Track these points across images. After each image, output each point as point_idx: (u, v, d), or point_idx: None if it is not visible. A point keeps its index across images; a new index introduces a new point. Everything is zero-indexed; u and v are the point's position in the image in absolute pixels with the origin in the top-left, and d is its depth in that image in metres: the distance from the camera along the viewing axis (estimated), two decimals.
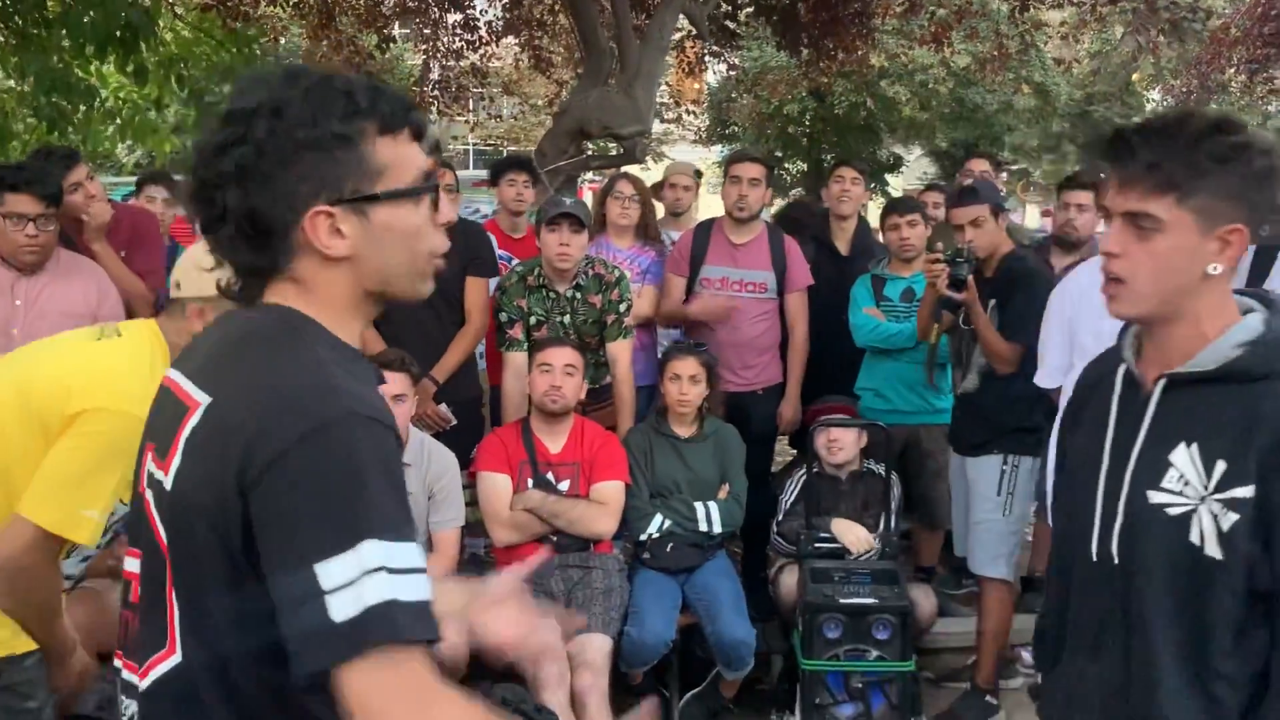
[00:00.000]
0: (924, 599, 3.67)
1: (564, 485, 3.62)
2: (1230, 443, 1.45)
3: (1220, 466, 1.45)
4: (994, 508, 3.65)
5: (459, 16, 9.47)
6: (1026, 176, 23.77)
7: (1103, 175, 3.18)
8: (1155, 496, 1.51)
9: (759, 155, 4.64)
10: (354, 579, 1.05)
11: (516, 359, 3.90)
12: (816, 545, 3.74)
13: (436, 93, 10.52)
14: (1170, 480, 1.49)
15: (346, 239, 1.21)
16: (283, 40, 11.38)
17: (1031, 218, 21.71)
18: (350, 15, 8.86)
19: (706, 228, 4.44)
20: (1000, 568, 3.68)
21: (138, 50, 5.79)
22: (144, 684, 1.24)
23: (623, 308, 3.98)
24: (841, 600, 3.49)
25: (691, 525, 3.71)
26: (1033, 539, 4.97)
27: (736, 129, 19.87)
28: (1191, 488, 1.47)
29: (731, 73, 14.37)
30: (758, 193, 4.32)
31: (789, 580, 3.77)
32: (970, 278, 3.57)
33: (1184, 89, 15.53)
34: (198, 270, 1.97)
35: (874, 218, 5.43)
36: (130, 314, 3.59)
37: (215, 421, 1.17)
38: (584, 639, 3.26)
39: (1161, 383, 1.54)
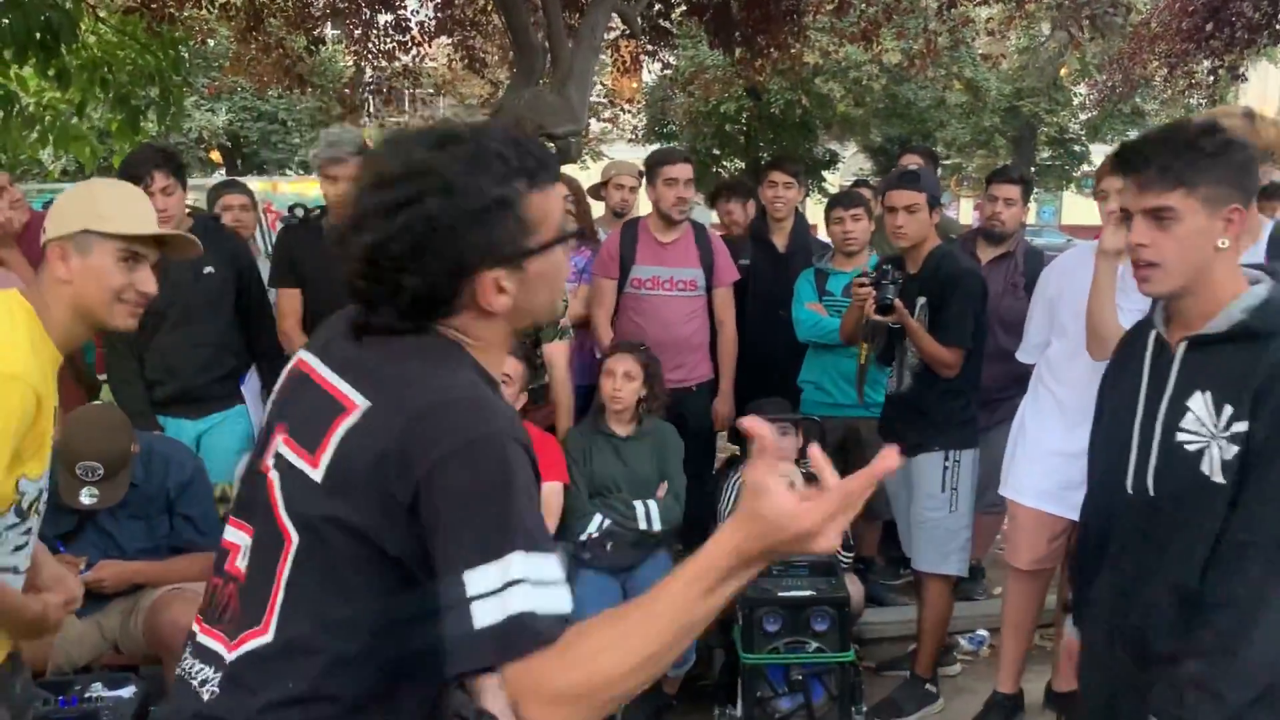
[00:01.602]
0: (854, 588, 3.70)
1: None
2: (1234, 389, 1.78)
3: (1228, 410, 1.78)
4: (939, 505, 3.65)
5: (390, 17, 9.39)
6: (960, 171, 24.18)
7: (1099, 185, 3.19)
8: (1179, 436, 1.84)
9: (686, 154, 4.63)
10: (498, 588, 1.12)
11: None
12: None
13: (368, 95, 10.41)
14: (1189, 422, 1.83)
15: (507, 294, 1.28)
16: (210, 42, 11.19)
17: (965, 212, 22.09)
18: (279, 17, 8.72)
19: (632, 228, 4.43)
20: (951, 564, 3.68)
21: (59, 54, 5.65)
22: (232, 655, 1.28)
23: (559, 309, 3.97)
24: (780, 593, 3.52)
25: (631, 524, 3.71)
26: (975, 526, 5.07)
27: (673, 128, 19.94)
28: (1205, 428, 1.81)
29: (666, 72, 14.43)
30: (691, 191, 4.36)
31: None
32: (897, 299, 3.54)
33: (1109, 83, 15.91)
34: (62, 213, 1.95)
35: (813, 214, 5.49)
36: None
37: (376, 426, 1.22)
38: None
39: (1183, 344, 1.87)
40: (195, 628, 1.36)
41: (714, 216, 5.41)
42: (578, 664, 1.10)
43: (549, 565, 1.15)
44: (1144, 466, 1.91)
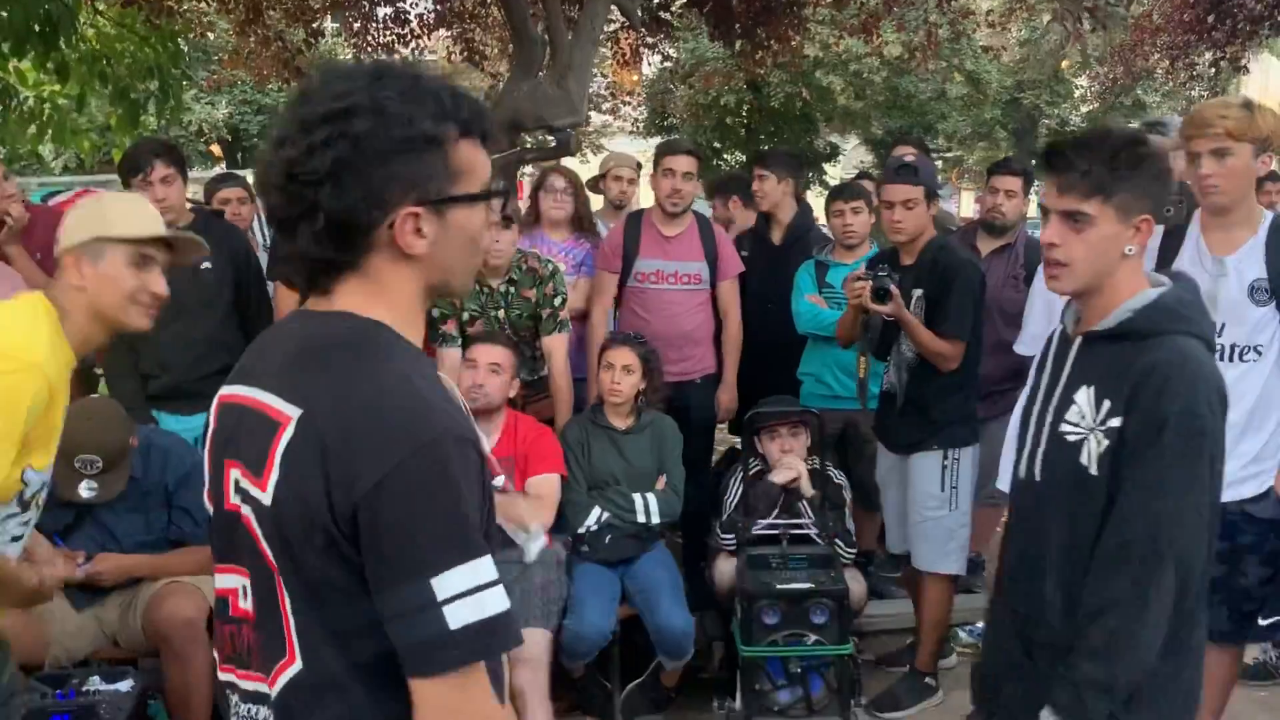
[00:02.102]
0: (855, 583, 3.69)
1: (498, 481, 3.59)
2: (1114, 385, 1.87)
3: (1106, 404, 1.88)
4: (939, 504, 3.62)
5: (389, 10, 9.36)
6: (961, 163, 24.12)
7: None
8: (1062, 427, 1.95)
9: (690, 146, 4.61)
10: (469, 590, 1.14)
11: (450, 355, 3.87)
12: (755, 532, 3.77)
13: None
14: (1072, 414, 1.94)
15: (425, 238, 1.25)
16: (210, 36, 11.16)
17: (966, 204, 22.05)
18: (278, 9, 8.69)
19: (636, 221, 4.43)
20: (951, 563, 3.67)
21: (58, 47, 5.64)
22: (274, 691, 1.26)
23: (557, 301, 3.96)
24: (779, 586, 3.52)
25: (630, 517, 3.71)
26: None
27: (674, 120, 19.89)
28: (1085, 420, 1.91)
29: (667, 64, 14.39)
30: (690, 185, 4.35)
31: (726, 569, 3.78)
32: (896, 292, 3.51)
33: (1110, 75, 15.86)
34: (73, 225, 2.07)
35: (817, 206, 5.46)
36: None
37: (312, 436, 1.18)
38: (523, 633, 3.25)
39: (1078, 340, 1.98)
40: (233, 678, 1.34)
41: (712, 210, 5.40)
42: None
43: (489, 565, 1.18)
44: (1035, 453, 2.02)
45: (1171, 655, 1.86)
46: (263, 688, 1.28)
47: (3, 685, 2.09)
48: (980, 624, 4.28)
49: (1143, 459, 1.82)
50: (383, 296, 1.27)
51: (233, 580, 1.32)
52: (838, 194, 4.53)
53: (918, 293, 3.61)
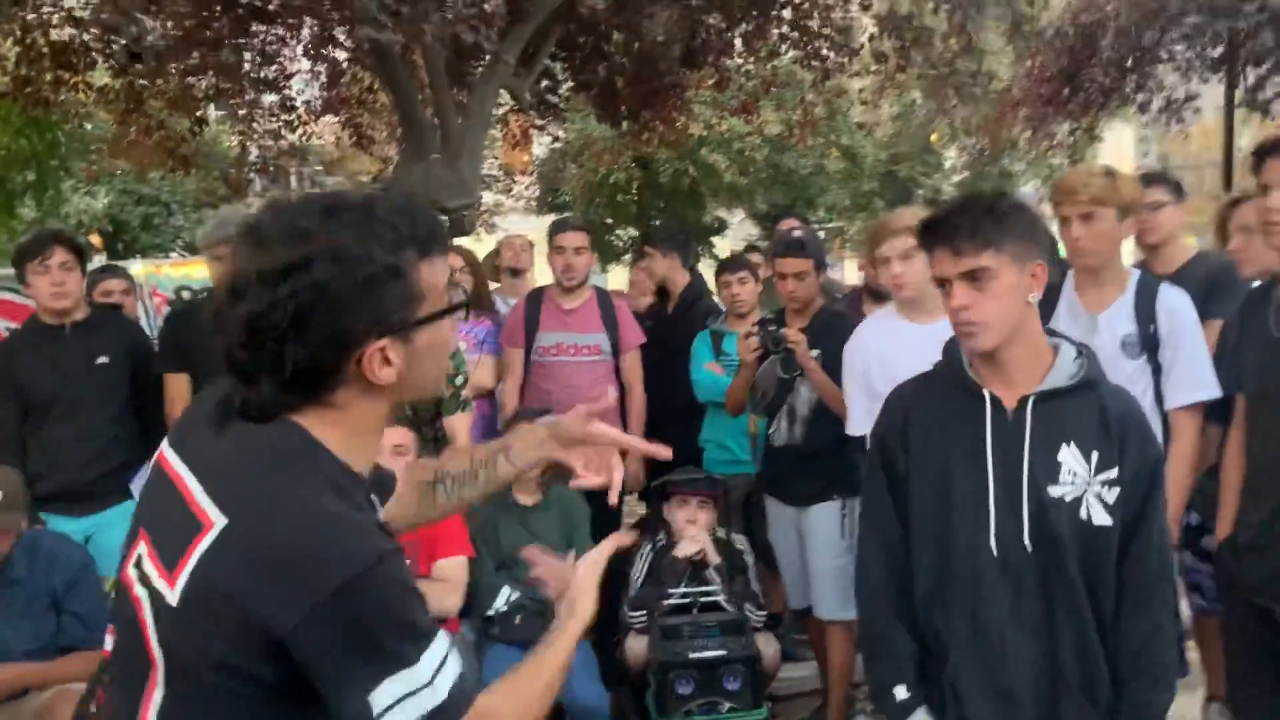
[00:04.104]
0: (767, 647, 3.74)
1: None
2: (1096, 438, 1.95)
3: (1095, 456, 1.94)
4: (840, 552, 3.71)
5: (275, 98, 9.32)
6: (842, 234, 24.93)
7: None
8: (1055, 490, 1.95)
9: (579, 223, 4.80)
10: (403, 696, 1.17)
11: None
12: (666, 604, 3.78)
13: (254, 174, 10.28)
14: (1064, 475, 1.95)
15: (394, 366, 1.24)
16: (88, 126, 10.93)
17: (850, 272, 22.73)
18: (160, 99, 8.59)
19: (536, 297, 4.54)
20: (852, 610, 3.74)
21: None
22: None
23: (459, 380, 3.97)
24: (691, 655, 3.54)
25: (539, 595, 3.68)
26: None
27: (567, 198, 20.15)
28: (1080, 477, 1.94)
29: (557, 144, 14.61)
30: (583, 259, 4.49)
31: (636, 646, 3.78)
32: (789, 333, 3.70)
33: (977, 147, 16.71)
34: None
35: (709, 277, 5.64)
36: None
37: (236, 553, 1.16)
38: None
39: (1031, 399, 1.98)
40: None
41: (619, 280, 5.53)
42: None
43: (435, 649, 1.21)
44: (1012, 525, 1.96)
45: None
46: None
47: None
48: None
49: (1147, 499, 1.96)
50: (341, 422, 1.26)
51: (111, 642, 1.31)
52: (724, 268, 4.71)
53: (815, 353, 3.77)
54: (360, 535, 1.18)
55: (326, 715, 1.20)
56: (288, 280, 1.17)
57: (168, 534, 1.22)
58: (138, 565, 1.25)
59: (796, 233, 4.32)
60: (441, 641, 1.22)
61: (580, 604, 1.51)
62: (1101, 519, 1.93)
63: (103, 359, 3.64)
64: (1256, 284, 3.16)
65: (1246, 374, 2.71)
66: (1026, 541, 1.96)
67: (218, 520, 1.18)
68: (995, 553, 1.97)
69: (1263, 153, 2.62)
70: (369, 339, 1.21)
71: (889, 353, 3.25)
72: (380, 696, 1.16)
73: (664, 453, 1.74)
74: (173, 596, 1.18)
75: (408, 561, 3.55)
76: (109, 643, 1.32)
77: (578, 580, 1.54)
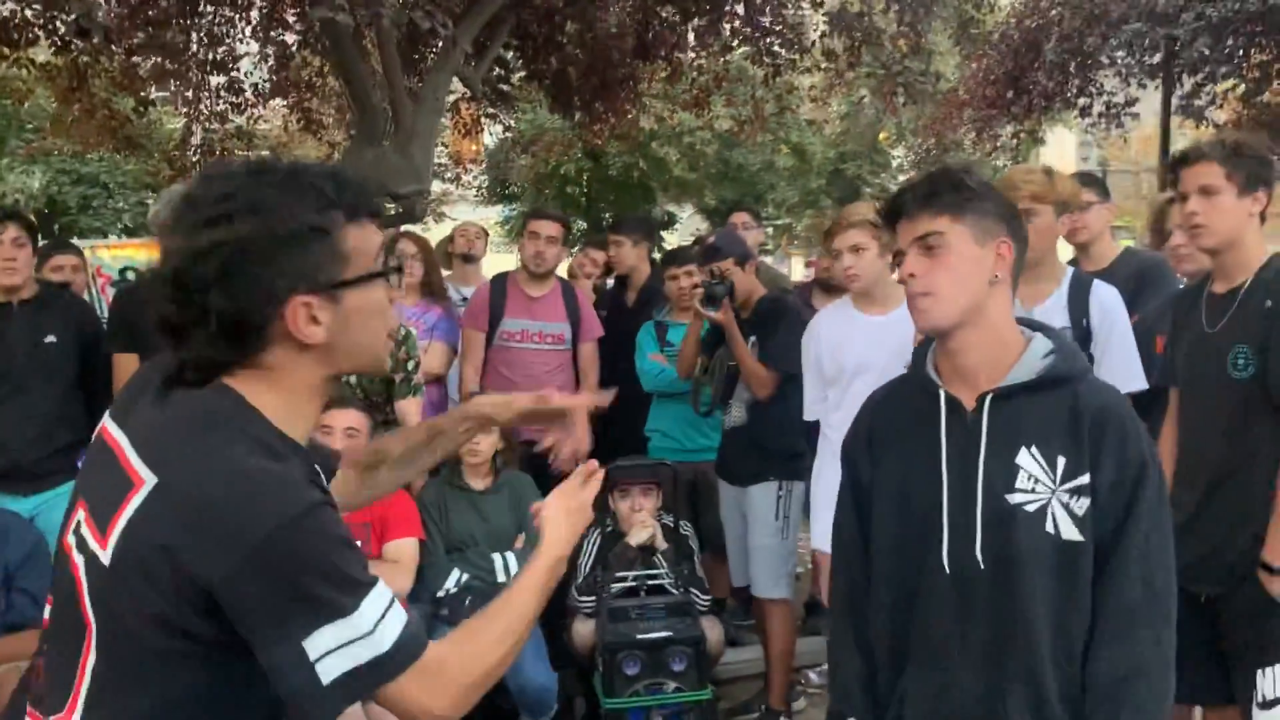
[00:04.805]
0: (712, 629, 3.82)
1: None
2: (1064, 440, 1.69)
3: (1061, 461, 1.68)
4: (773, 532, 3.88)
5: (223, 79, 9.20)
6: (790, 230, 25.17)
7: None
8: (1014, 499, 1.70)
9: (557, 214, 4.84)
10: (334, 648, 1.18)
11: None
12: (614, 588, 3.84)
13: (198, 157, 10.13)
14: (1022, 481, 1.70)
15: (322, 326, 1.27)
16: (25, 105, 10.70)
17: (796, 269, 22.97)
18: (104, 78, 8.44)
19: (501, 282, 4.58)
20: (783, 588, 3.91)
21: None
22: None
23: (410, 365, 3.99)
24: (638, 636, 3.60)
25: (489, 577, 3.73)
26: (813, 565, 5.27)
27: (516, 189, 20.11)
28: (1042, 484, 1.69)
29: (508, 134, 14.58)
30: (554, 249, 4.53)
31: (584, 629, 3.84)
32: (726, 301, 3.82)
33: (924, 146, 16.99)
34: None
35: None
36: None
37: (166, 509, 1.18)
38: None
39: (989, 397, 1.75)
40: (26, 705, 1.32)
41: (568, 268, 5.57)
42: (466, 667, 1.30)
43: (378, 599, 1.22)
44: (965, 538, 1.74)
45: None
46: None
47: None
48: (826, 665, 4.47)
49: (1131, 513, 1.66)
50: (275, 385, 1.28)
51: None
52: (669, 260, 4.79)
53: (753, 338, 3.89)
54: (290, 487, 1.20)
55: (265, 682, 1.21)
56: (209, 233, 1.21)
57: (103, 499, 1.25)
58: (76, 531, 1.27)
59: (710, 239, 4.47)
60: (383, 592, 1.23)
61: (548, 535, 1.49)
62: (1070, 533, 1.67)
63: (50, 338, 3.60)
64: (1184, 283, 3.31)
65: (1178, 368, 2.83)
66: (979, 556, 1.72)
67: (148, 479, 1.20)
68: (947, 569, 1.74)
69: (1177, 164, 2.76)
70: (292, 294, 1.24)
71: (839, 341, 3.41)
72: (314, 644, 1.17)
73: (603, 400, 1.84)
74: (105, 556, 1.21)
75: (359, 543, 3.56)
76: (48, 612, 1.34)
77: (546, 512, 1.53)
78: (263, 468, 1.20)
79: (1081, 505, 1.67)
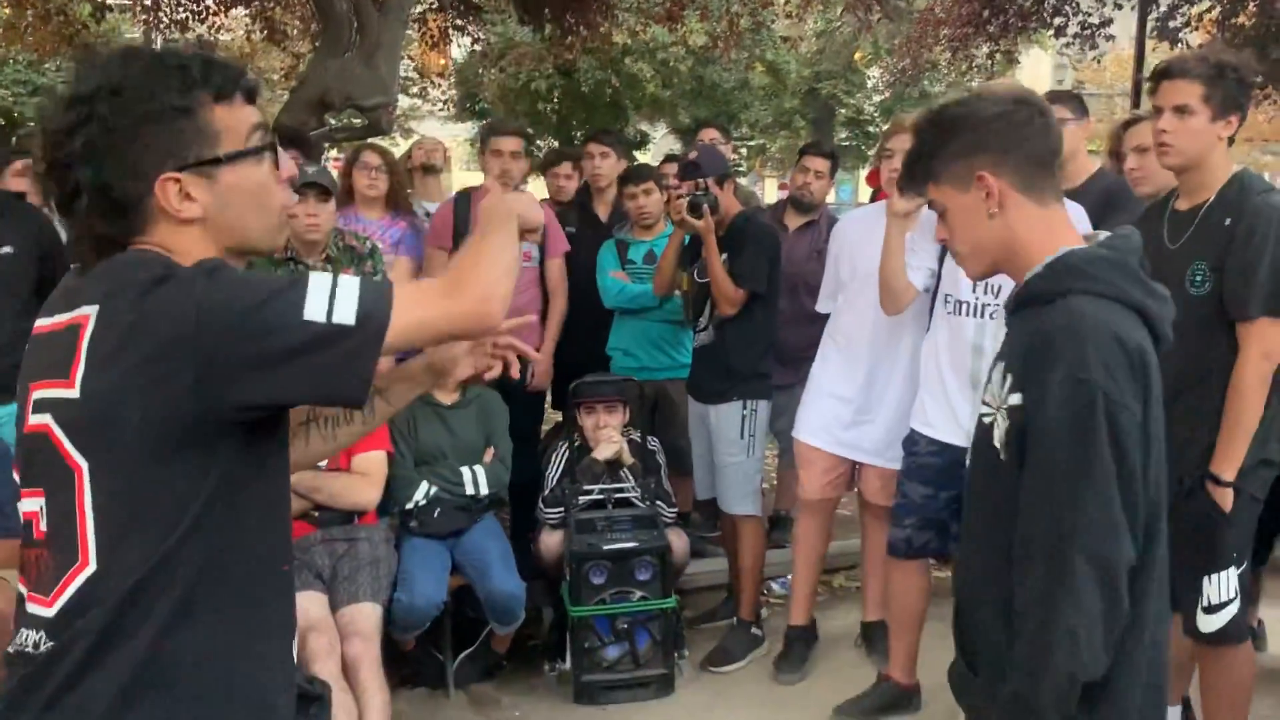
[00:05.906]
0: (677, 540, 3.89)
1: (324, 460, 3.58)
2: (1016, 358, 1.65)
3: (1009, 380, 1.64)
4: (739, 450, 3.92)
5: None
6: (764, 151, 25.01)
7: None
8: (981, 411, 1.75)
9: (518, 128, 4.76)
10: (331, 295, 1.26)
11: None
12: (580, 499, 3.89)
13: None
14: (988, 394, 1.72)
15: (197, 202, 1.33)
16: None
17: (770, 190, 22.89)
18: None
19: (466, 199, 4.49)
20: (749, 504, 3.97)
21: None
22: (52, 610, 1.28)
23: (377, 279, 3.94)
24: (605, 546, 3.66)
25: (458, 490, 3.77)
26: (777, 480, 5.36)
27: (485, 104, 19.77)
28: (995, 400, 1.68)
29: (476, 47, 14.28)
30: (519, 164, 4.46)
31: (551, 541, 3.89)
32: (707, 210, 3.80)
33: (899, 67, 16.79)
34: None
35: None
36: None
37: (118, 314, 1.25)
38: (353, 608, 3.27)
39: (1002, 315, 1.90)
40: (25, 599, 1.33)
41: (544, 187, 5.48)
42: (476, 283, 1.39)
43: (318, 274, 1.30)
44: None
45: (1114, 666, 1.55)
46: (40, 610, 1.30)
47: None
48: (790, 576, 4.57)
49: (1036, 440, 1.57)
50: (173, 257, 1.32)
51: (33, 504, 1.34)
52: (627, 179, 4.67)
53: (724, 256, 3.88)
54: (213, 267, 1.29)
55: (262, 480, 1.31)
56: (72, 110, 1.29)
57: (50, 358, 1.30)
58: (35, 409, 1.31)
59: (691, 155, 4.38)
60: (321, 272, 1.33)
61: (484, 206, 1.55)
62: (1003, 452, 1.65)
63: (7, 249, 3.53)
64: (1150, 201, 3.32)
65: None
66: (968, 464, 1.81)
67: (91, 310, 1.27)
68: (967, 476, 1.84)
69: (1158, 75, 2.75)
70: (159, 169, 1.30)
71: (858, 243, 3.56)
72: (312, 307, 1.25)
73: (533, 354, 1.80)
74: (74, 391, 1.26)
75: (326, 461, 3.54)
76: (24, 506, 1.35)
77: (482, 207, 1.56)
78: (191, 269, 1.28)
79: (1005, 423, 1.63)
